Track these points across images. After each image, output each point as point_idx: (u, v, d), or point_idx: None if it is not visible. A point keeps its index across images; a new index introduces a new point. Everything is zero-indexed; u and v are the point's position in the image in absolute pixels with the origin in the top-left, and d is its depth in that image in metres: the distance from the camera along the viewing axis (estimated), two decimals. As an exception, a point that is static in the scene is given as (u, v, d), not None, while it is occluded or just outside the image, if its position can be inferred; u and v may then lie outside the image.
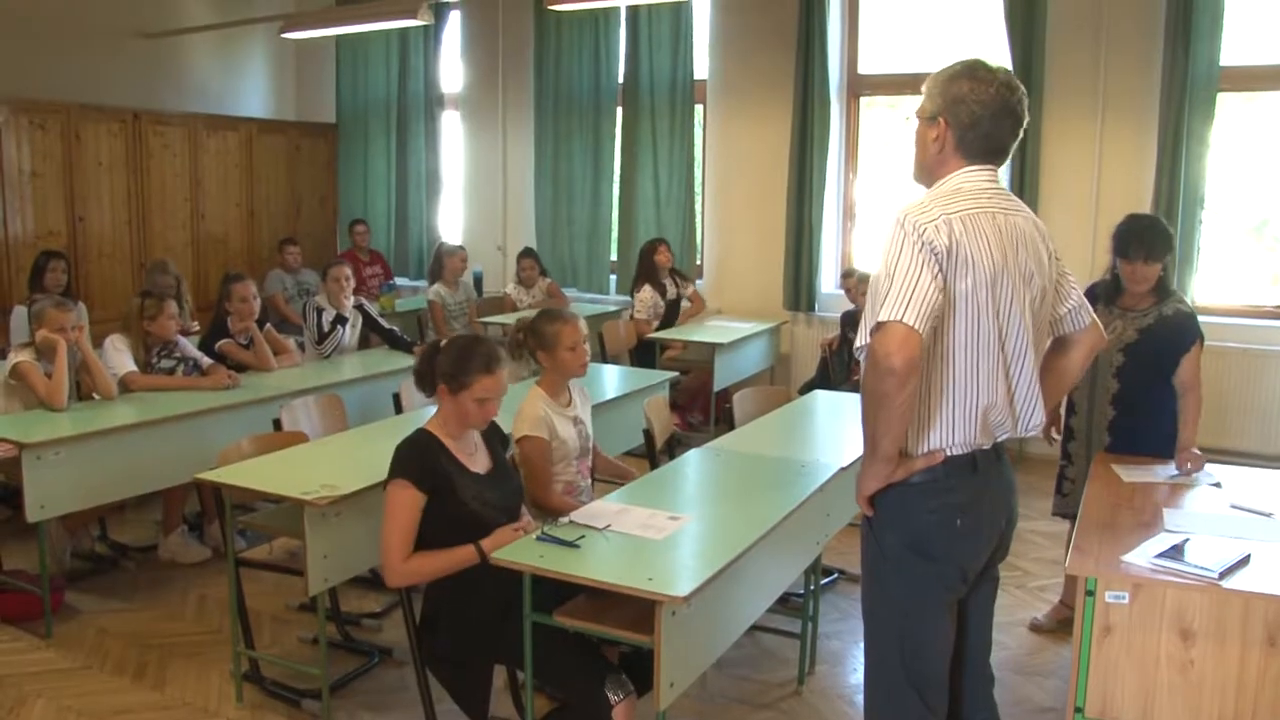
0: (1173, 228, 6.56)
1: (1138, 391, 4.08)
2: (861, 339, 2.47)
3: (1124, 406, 4.13)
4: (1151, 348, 4.04)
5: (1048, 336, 2.70)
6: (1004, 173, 2.64)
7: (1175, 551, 2.80)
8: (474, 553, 3.04)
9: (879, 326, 2.34)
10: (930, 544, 2.55)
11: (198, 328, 7.11)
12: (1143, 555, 2.81)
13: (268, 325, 5.94)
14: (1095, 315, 2.76)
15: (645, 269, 7.92)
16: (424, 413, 3.38)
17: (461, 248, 8.48)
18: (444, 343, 3.39)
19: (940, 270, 2.36)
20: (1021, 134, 2.56)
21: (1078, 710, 2.81)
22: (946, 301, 2.39)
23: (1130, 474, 3.74)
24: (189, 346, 5.44)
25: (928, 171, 2.60)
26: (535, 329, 3.85)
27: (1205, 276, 6.92)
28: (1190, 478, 3.71)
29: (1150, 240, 4.03)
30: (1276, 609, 2.60)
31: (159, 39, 9.07)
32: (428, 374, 3.35)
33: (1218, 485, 3.63)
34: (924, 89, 2.60)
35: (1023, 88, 2.55)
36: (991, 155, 2.54)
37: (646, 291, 7.84)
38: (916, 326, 2.30)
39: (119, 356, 5.10)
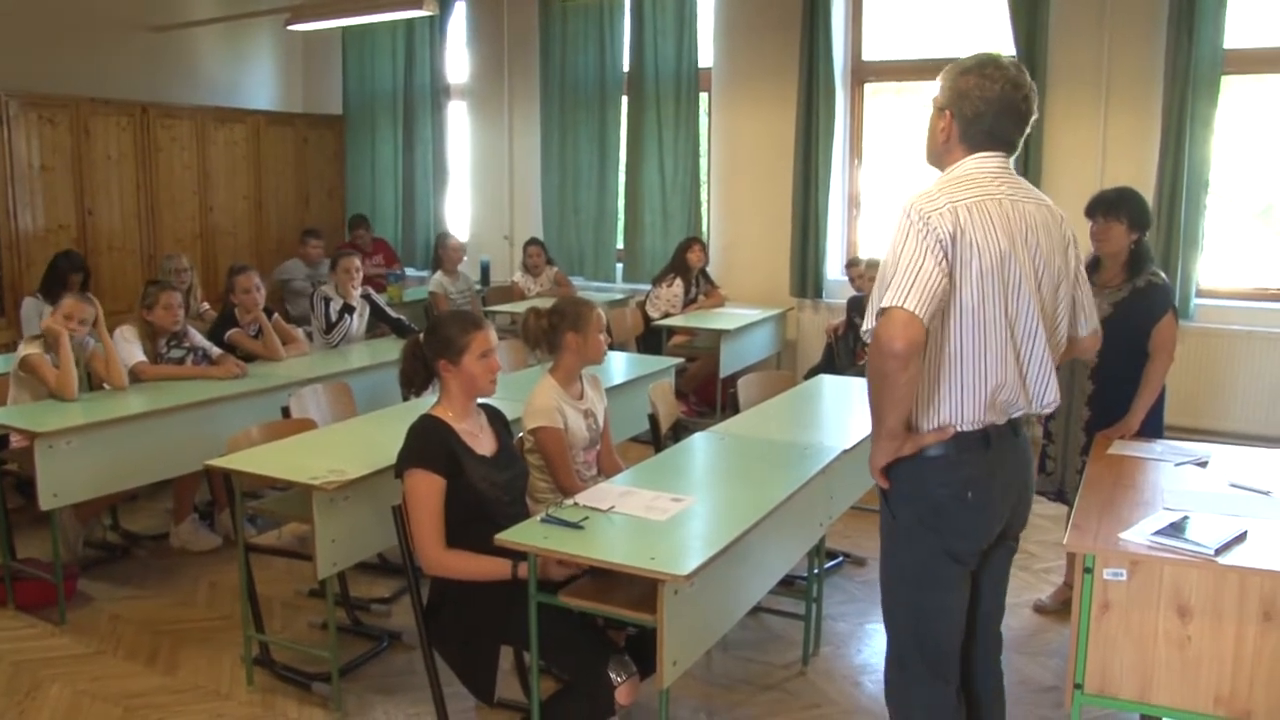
0: (1178, 211, 6.58)
1: (1115, 365, 4.07)
2: (868, 323, 2.53)
3: (1102, 381, 4.17)
4: (1125, 320, 4.05)
5: (1067, 319, 2.74)
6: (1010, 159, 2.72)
7: (1173, 529, 2.82)
8: (508, 569, 3.03)
9: (883, 312, 2.42)
10: (941, 517, 2.63)
11: (207, 307, 7.16)
12: (1141, 533, 2.83)
13: (275, 315, 5.98)
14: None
15: (677, 264, 7.94)
16: (431, 399, 3.40)
17: (454, 236, 8.52)
18: (420, 335, 3.44)
19: (945, 256, 2.43)
20: (1028, 129, 2.65)
21: (1077, 686, 2.84)
22: (952, 286, 2.46)
23: (1128, 452, 3.76)
24: (198, 336, 5.49)
25: (938, 157, 2.70)
26: (567, 311, 3.88)
27: (1211, 260, 6.92)
28: (1189, 455, 3.71)
29: (1111, 199, 4.13)
30: (1272, 585, 2.62)
31: (166, 32, 9.13)
32: (418, 369, 3.40)
33: (1203, 464, 3.62)
34: (939, 78, 2.68)
35: (1032, 84, 2.62)
36: (999, 145, 2.62)
37: (678, 286, 7.87)
38: (917, 312, 2.38)
39: (128, 347, 5.15)
